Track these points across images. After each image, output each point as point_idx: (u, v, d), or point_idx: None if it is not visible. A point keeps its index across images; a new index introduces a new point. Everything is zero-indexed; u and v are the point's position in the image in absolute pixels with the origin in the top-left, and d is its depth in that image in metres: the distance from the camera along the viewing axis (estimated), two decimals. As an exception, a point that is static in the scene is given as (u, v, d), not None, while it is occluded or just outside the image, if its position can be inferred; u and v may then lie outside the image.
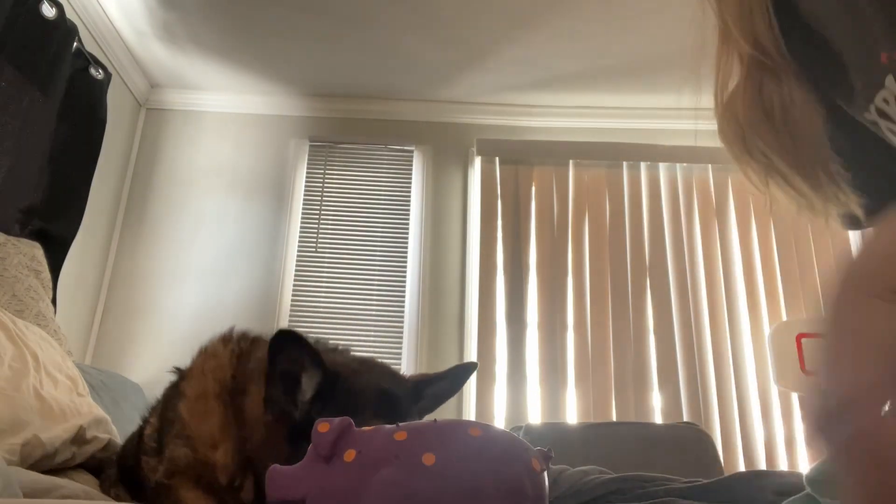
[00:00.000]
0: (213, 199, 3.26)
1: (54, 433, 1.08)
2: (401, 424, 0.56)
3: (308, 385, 0.79)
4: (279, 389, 0.79)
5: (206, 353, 0.96)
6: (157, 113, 3.41)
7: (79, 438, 1.14)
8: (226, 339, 0.98)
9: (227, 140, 3.37)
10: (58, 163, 2.48)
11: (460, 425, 0.55)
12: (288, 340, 0.77)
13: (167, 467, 0.87)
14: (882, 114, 0.62)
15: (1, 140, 2.21)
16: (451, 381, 0.95)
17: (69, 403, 1.23)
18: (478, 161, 3.28)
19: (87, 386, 1.46)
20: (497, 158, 3.27)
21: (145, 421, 1.04)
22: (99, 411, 1.33)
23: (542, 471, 0.52)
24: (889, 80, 0.59)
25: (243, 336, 0.98)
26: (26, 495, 0.77)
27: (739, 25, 0.73)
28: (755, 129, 0.74)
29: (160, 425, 0.94)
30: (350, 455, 0.53)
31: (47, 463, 1.05)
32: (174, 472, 0.86)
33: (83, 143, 2.63)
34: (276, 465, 0.56)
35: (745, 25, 0.73)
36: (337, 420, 0.55)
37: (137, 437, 1.03)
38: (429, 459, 0.50)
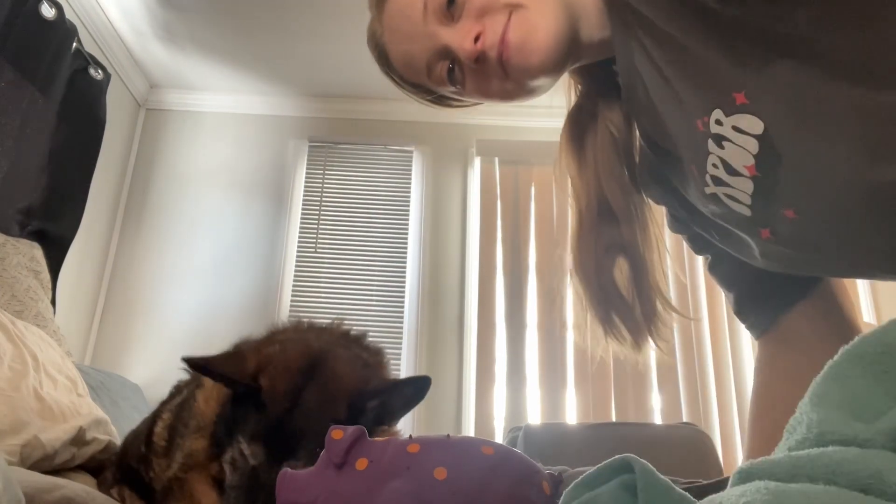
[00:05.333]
0: (213, 200, 3.26)
1: (54, 434, 1.07)
2: (414, 437, 0.56)
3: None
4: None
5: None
6: (156, 113, 3.41)
7: (79, 439, 1.14)
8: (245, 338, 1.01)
9: (227, 140, 3.37)
10: (57, 163, 2.48)
11: (473, 442, 0.56)
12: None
13: (183, 461, 0.87)
14: (716, 181, 0.67)
15: (0, 140, 2.21)
16: (405, 397, 0.91)
17: (69, 404, 1.23)
18: (477, 161, 3.28)
19: (86, 386, 1.46)
20: (496, 159, 3.27)
21: (156, 416, 1.03)
22: (99, 412, 1.32)
23: (552, 495, 0.52)
24: (710, 144, 0.65)
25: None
26: (26, 495, 0.77)
27: (590, 187, 0.83)
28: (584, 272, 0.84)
29: (173, 421, 0.94)
30: (362, 464, 0.53)
31: (47, 464, 1.05)
32: (191, 467, 0.86)
33: (82, 144, 2.63)
34: (287, 469, 0.56)
35: (593, 187, 0.82)
36: (351, 428, 0.55)
37: (145, 435, 1.03)
38: (440, 474, 0.50)
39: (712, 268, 0.89)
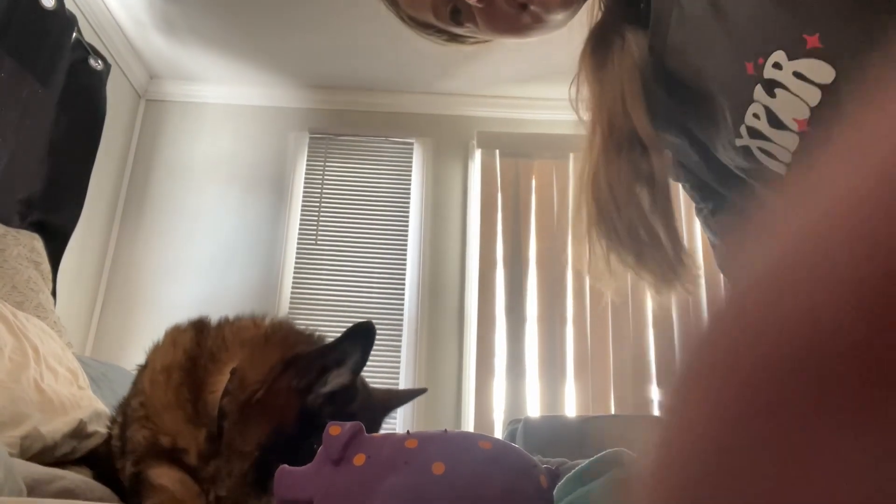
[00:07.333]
0: (213, 192, 3.26)
1: (54, 426, 1.08)
2: (411, 432, 0.56)
3: (333, 380, 0.80)
4: (318, 368, 0.80)
5: (172, 331, 0.97)
6: (156, 104, 3.40)
7: (79, 432, 1.14)
8: (191, 320, 0.99)
9: (227, 132, 3.36)
10: (57, 154, 2.48)
11: (471, 437, 0.56)
12: (370, 334, 0.77)
13: (134, 457, 0.85)
14: (753, 132, 0.61)
15: (0, 131, 2.21)
16: (402, 401, 1.00)
17: (69, 396, 1.23)
18: (478, 154, 3.28)
19: (87, 379, 1.47)
20: (497, 151, 3.26)
21: (112, 421, 1.02)
22: (99, 405, 1.33)
23: (550, 489, 0.52)
24: (758, 91, 0.58)
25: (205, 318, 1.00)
26: (26, 486, 0.77)
27: (614, 112, 0.74)
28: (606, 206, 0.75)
29: (123, 420, 0.93)
30: (360, 459, 0.53)
31: (48, 456, 1.05)
32: (140, 458, 0.84)
33: (83, 135, 2.63)
34: (285, 466, 0.56)
35: (618, 112, 0.74)
36: (348, 424, 0.55)
37: (107, 439, 1.02)
38: (438, 469, 0.50)
39: (708, 218, 0.84)
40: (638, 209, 0.74)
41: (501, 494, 0.50)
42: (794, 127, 0.56)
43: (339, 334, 0.90)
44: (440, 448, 0.53)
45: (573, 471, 0.49)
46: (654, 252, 0.75)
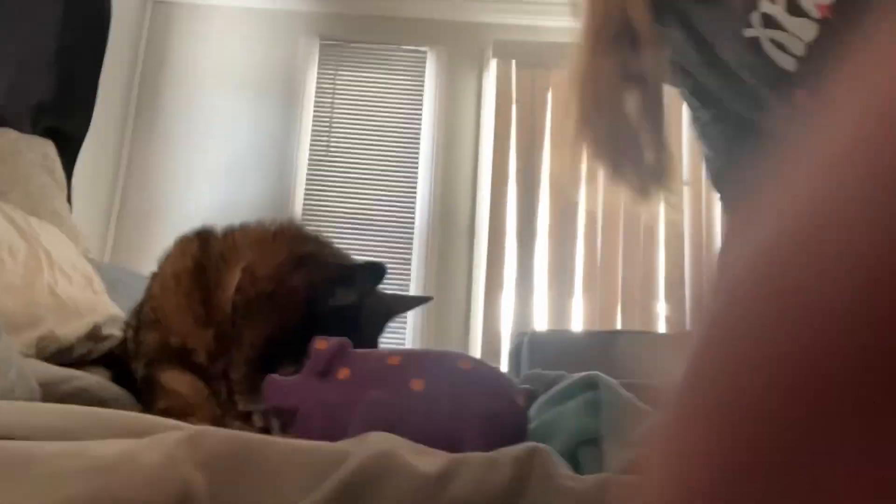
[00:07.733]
0: (224, 99, 3.22)
1: (69, 329, 1.12)
2: (395, 349, 0.58)
3: (340, 296, 0.83)
4: (329, 277, 0.83)
5: (180, 240, 1.00)
6: (164, 7, 3.30)
7: (94, 335, 1.19)
8: (196, 230, 1.01)
9: (236, 36, 3.27)
10: (65, 58, 2.44)
11: (452, 357, 0.58)
12: (381, 274, 0.83)
13: (145, 359, 0.89)
14: (767, 20, 0.56)
15: (6, 35, 2.17)
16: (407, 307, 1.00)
17: (84, 300, 1.28)
18: (493, 64, 3.17)
19: (102, 284, 1.51)
20: (514, 61, 3.15)
21: (127, 325, 1.07)
22: (115, 309, 1.37)
23: (525, 408, 0.55)
24: None
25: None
26: (41, 385, 0.81)
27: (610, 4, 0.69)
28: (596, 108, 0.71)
29: (137, 324, 0.97)
30: (344, 373, 0.55)
31: (64, 357, 1.10)
32: (151, 360, 0.88)
33: (89, 38, 2.57)
34: (273, 375, 0.59)
35: (615, 3, 0.68)
36: (335, 339, 0.58)
37: (122, 341, 1.07)
38: (417, 385, 0.53)
39: (706, 127, 0.78)
40: (620, 112, 0.71)
41: (478, 411, 0.53)
42: (816, 13, 0.52)
43: (349, 245, 0.93)
44: (421, 366, 0.55)
45: (549, 393, 0.51)
46: (633, 160, 0.72)
